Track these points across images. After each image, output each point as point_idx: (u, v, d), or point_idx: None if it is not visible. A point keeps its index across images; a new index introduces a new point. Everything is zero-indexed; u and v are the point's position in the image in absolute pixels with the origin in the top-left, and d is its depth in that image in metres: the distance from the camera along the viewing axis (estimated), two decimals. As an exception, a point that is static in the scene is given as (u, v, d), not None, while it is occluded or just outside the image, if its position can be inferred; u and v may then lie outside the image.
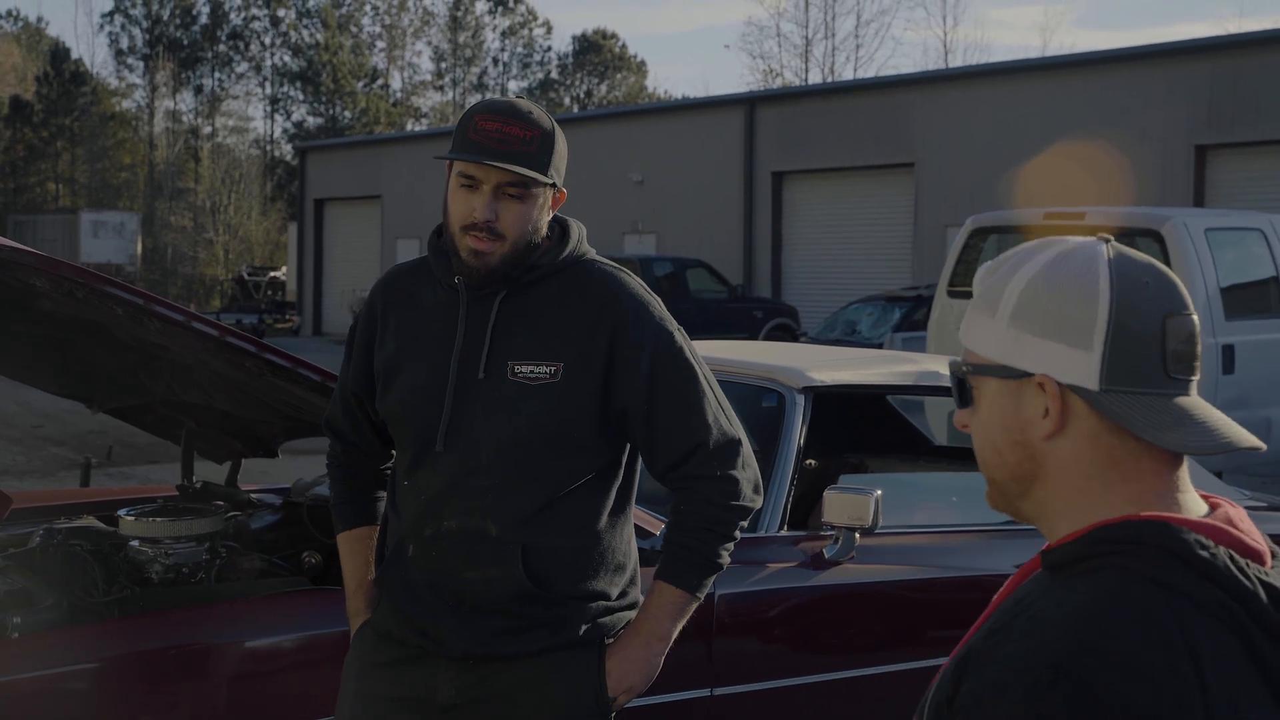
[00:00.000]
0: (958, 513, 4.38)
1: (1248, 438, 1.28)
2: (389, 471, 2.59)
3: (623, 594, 2.45)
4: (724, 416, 2.42)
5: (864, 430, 5.10)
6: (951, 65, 44.83)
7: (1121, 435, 1.27)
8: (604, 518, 2.41)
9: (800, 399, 3.80)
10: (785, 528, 3.64)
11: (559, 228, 2.43)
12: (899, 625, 3.77)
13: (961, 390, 1.37)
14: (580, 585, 2.38)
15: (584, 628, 2.38)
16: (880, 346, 14.69)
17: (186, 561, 3.28)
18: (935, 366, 4.30)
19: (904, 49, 74.09)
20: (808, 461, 3.82)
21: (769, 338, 19.77)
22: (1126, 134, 19.29)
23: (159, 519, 3.35)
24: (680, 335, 2.40)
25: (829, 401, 4.10)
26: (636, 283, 2.41)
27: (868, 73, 49.26)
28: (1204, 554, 1.21)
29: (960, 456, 5.37)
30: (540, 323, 2.35)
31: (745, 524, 2.46)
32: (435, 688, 2.38)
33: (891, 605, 3.74)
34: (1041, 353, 1.29)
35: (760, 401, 3.98)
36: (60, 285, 2.84)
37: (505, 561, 2.33)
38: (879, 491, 3.48)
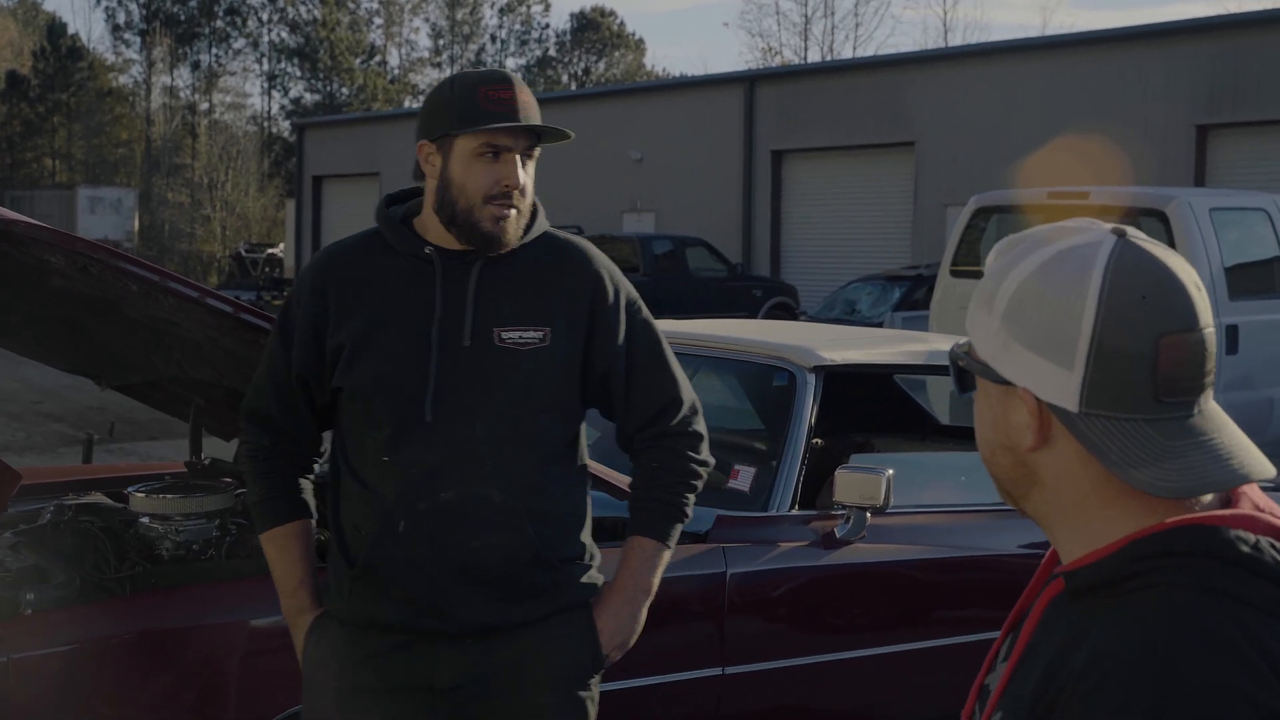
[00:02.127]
0: (966, 492, 4.39)
1: (1258, 468, 1.17)
2: (313, 466, 2.57)
3: (592, 554, 2.51)
4: (685, 378, 2.54)
5: (870, 409, 5.12)
6: (951, 44, 44.74)
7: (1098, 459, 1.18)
8: (582, 478, 2.50)
9: (811, 378, 3.82)
10: (796, 507, 3.66)
11: None
12: (910, 605, 3.80)
13: (960, 377, 1.30)
14: (572, 546, 2.44)
15: (575, 590, 2.43)
16: (880, 325, 14.69)
17: (197, 538, 3.29)
18: (944, 346, 4.32)
19: (903, 27, 74.13)
20: (814, 440, 3.84)
21: (768, 316, 19.76)
22: (1127, 114, 19.26)
23: (169, 496, 3.36)
24: (642, 302, 2.53)
25: (836, 381, 4.12)
26: (600, 252, 2.51)
27: (867, 51, 49.19)
28: (1248, 550, 1.13)
29: (967, 436, 5.39)
30: (523, 290, 2.38)
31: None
32: (435, 672, 2.37)
33: (903, 585, 3.76)
34: (1025, 364, 1.20)
35: (771, 380, 4.01)
36: (75, 261, 2.83)
37: (512, 527, 2.35)
38: (890, 471, 3.50)
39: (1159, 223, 8.84)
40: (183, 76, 60.84)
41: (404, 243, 2.40)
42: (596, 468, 3.36)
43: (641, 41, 69.01)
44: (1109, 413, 1.17)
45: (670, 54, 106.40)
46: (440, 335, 2.35)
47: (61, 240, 2.79)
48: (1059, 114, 19.98)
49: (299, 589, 2.49)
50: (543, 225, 2.46)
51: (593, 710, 2.45)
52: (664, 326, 4.47)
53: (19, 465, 3.44)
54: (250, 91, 62.38)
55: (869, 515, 3.60)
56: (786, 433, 3.72)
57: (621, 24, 66.40)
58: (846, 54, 48.47)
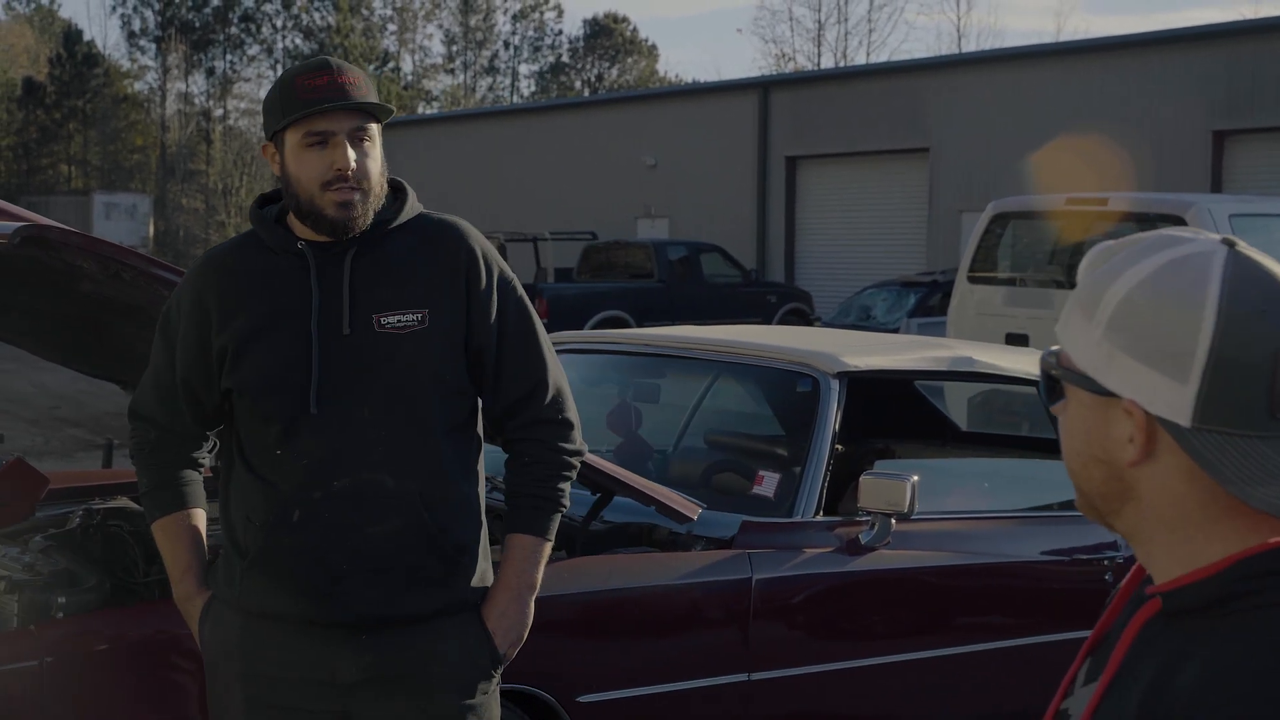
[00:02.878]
0: (988, 498, 4.41)
1: None
2: (202, 459, 2.58)
3: (482, 542, 2.50)
4: (556, 361, 2.53)
5: (889, 415, 5.13)
6: (965, 50, 44.72)
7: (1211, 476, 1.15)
8: (475, 465, 2.49)
9: (835, 384, 3.83)
10: (820, 513, 3.68)
11: (390, 186, 2.47)
12: (935, 611, 3.81)
13: (1051, 387, 1.26)
14: (467, 534, 2.43)
15: (469, 582, 2.43)
16: (895, 331, 14.69)
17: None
18: (968, 352, 4.33)
19: (917, 33, 74.09)
20: (836, 447, 3.85)
21: (782, 322, 19.76)
22: (1142, 119, 19.24)
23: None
24: (518, 282, 2.52)
25: (857, 387, 4.13)
26: (476, 230, 2.51)
27: (880, 57, 49.21)
28: None
29: (985, 442, 5.40)
30: (398, 275, 2.39)
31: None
32: (334, 665, 2.37)
33: (927, 591, 3.78)
34: (1133, 376, 1.15)
35: (795, 386, 4.02)
36: (106, 267, 2.86)
37: (406, 511, 2.36)
38: (915, 477, 3.51)
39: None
40: (197, 83, 61.19)
41: (277, 240, 2.41)
42: (623, 473, 3.38)
43: (654, 47, 69.28)
44: (1223, 428, 1.12)
45: (683, 59, 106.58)
46: (319, 327, 2.36)
47: (94, 246, 2.82)
48: (1074, 120, 19.95)
49: (184, 576, 2.51)
50: (415, 208, 2.46)
51: (495, 710, 2.46)
52: (686, 332, 4.52)
53: (43, 470, 3.47)
54: (264, 98, 62.51)
55: (894, 521, 3.60)
56: (811, 438, 3.74)
57: (634, 30, 66.53)
58: (860, 60, 48.53)
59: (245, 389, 2.39)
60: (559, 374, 2.51)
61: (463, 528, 2.43)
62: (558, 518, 2.51)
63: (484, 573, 2.48)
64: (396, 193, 2.46)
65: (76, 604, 2.91)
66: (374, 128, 2.37)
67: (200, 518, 2.55)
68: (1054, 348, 1.26)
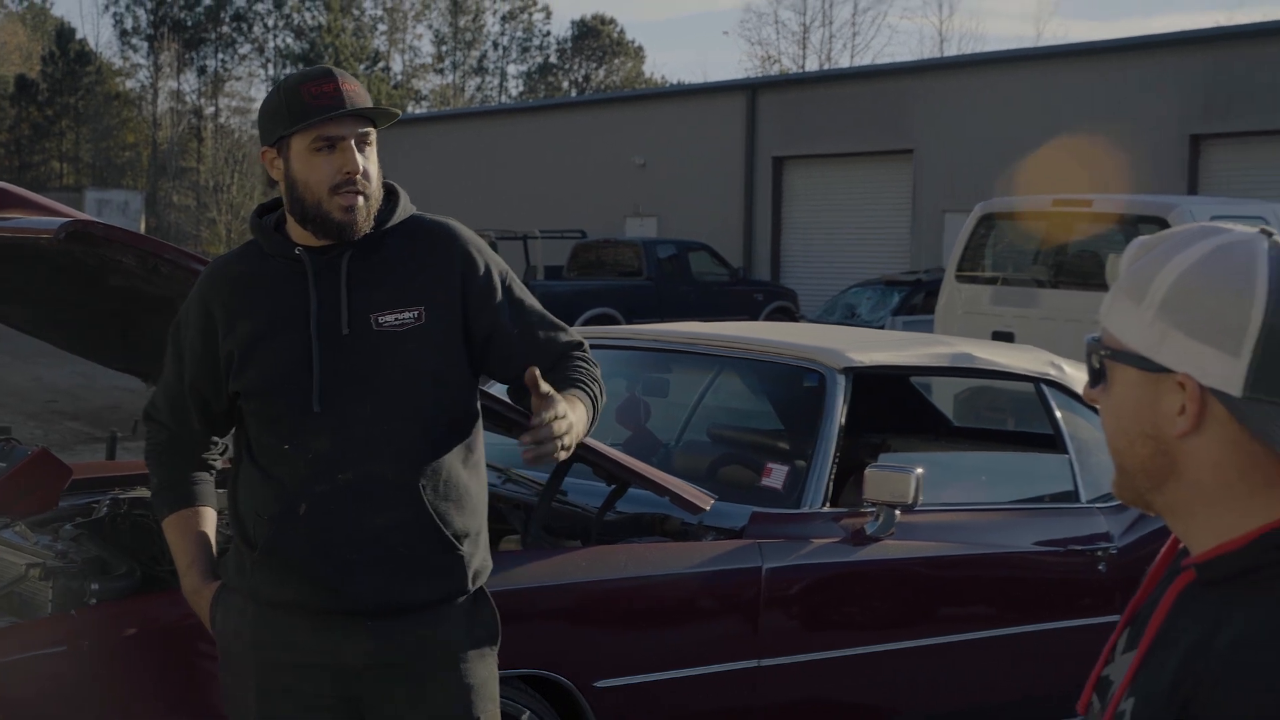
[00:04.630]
0: (987, 490, 4.50)
1: None
2: (213, 460, 2.67)
3: (482, 532, 2.55)
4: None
5: (887, 410, 5.22)
6: (946, 54, 44.96)
7: (1264, 442, 1.22)
8: (476, 457, 2.55)
9: (841, 379, 3.92)
10: (828, 505, 3.77)
11: (383, 189, 2.55)
12: (938, 600, 3.89)
13: (1096, 370, 1.32)
14: (467, 524, 2.49)
15: (470, 570, 2.49)
16: (881, 329, 14.82)
17: None
18: (969, 348, 4.43)
19: (900, 37, 74.42)
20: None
21: (769, 319, 19.86)
22: (1121, 123, 19.42)
23: (218, 490, 3.45)
24: (514, 274, 2.61)
25: (859, 382, 4.23)
26: (468, 229, 2.59)
27: (864, 60, 49.46)
28: None
29: (978, 436, 5.51)
30: (393, 275, 2.46)
31: None
32: (341, 651, 2.44)
33: (931, 580, 3.86)
34: (1186, 351, 1.22)
35: (801, 381, 4.10)
36: (145, 261, 2.90)
37: (408, 503, 2.42)
38: (920, 470, 3.59)
39: (1160, 230, 8.96)
40: (189, 81, 61.08)
41: (276, 247, 2.49)
42: (639, 465, 3.47)
43: (641, 49, 69.39)
44: (1272, 398, 1.20)
45: (669, 61, 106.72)
46: (319, 328, 2.43)
47: (136, 240, 2.87)
48: (1055, 123, 20.15)
49: (190, 568, 2.58)
50: (407, 209, 2.53)
51: (494, 688, 2.52)
52: (694, 329, 4.61)
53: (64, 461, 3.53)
54: (255, 96, 62.38)
55: (898, 513, 3.70)
56: (818, 432, 3.82)
57: (621, 31, 66.57)
58: (844, 63, 48.74)
59: (251, 391, 2.47)
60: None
61: (463, 518, 2.49)
62: (597, 410, 2.54)
63: (484, 561, 2.55)
64: (389, 196, 2.53)
65: (110, 590, 2.97)
66: (374, 133, 2.46)
67: (209, 514, 2.63)
68: (1093, 335, 1.34)
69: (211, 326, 2.50)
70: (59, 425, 10.13)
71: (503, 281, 2.55)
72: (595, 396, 2.54)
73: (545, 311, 2.62)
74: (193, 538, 2.60)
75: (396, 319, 2.44)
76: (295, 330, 2.44)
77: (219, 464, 2.70)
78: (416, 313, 2.45)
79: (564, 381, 2.51)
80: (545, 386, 2.32)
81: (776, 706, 3.59)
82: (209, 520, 2.63)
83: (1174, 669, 1.19)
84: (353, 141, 2.40)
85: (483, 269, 2.52)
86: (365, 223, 2.44)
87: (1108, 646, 1.36)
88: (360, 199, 2.41)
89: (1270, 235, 1.25)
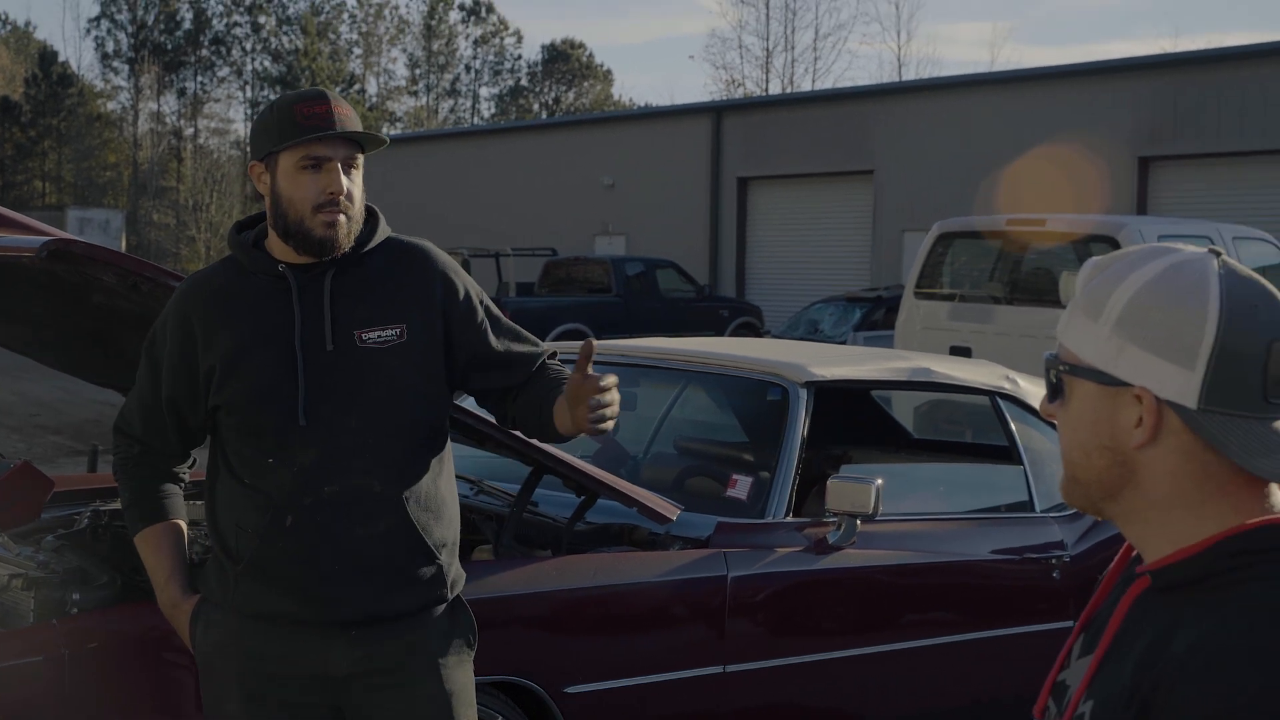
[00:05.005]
0: (944, 501, 4.59)
1: None
2: (182, 474, 2.69)
3: (455, 541, 2.62)
4: None
5: (847, 423, 5.30)
6: (905, 78, 45.33)
7: (1216, 452, 1.26)
8: (449, 468, 2.63)
9: (804, 392, 3.99)
10: (791, 514, 3.84)
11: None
12: (898, 606, 3.97)
13: (1054, 386, 1.36)
14: (445, 534, 2.57)
15: (448, 578, 2.56)
16: (843, 344, 14.96)
17: None
18: (925, 363, 4.52)
19: (860, 61, 74.92)
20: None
21: (734, 335, 19.98)
22: (1073, 145, 19.68)
23: (198, 502, 3.50)
24: (484, 292, 2.70)
25: (821, 396, 4.32)
26: (442, 251, 2.66)
27: (825, 84, 49.72)
28: None
29: (937, 449, 5.61)
30: (374, 293, 2.52)
31: None
32: (327, 661, 2.47)
33: (891, 588, 3.93)
34: (1143, 365, 1.27)
35: (765, 395, 4.18)
36: (125, 279, 2.94)
37: (392, 514, 2.48)
38: (880, 481, 3.67)
39: (1111, 248, 9.18)
40: (169, 103, 61.04)
41: (256, 264, 2.52)
42: (607, 476, 3.55)
43: (610, 72, 69.44)
44: (1225, 410, 1.24)
45: (637, 84, 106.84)
46: (303, 344, 2.46)
47: (117, 259, 2.90)
48: (1009, 145, 20.44)
49: (168, 583, 2.60)
50: (385, 231, 2.59)
51: (472, 692, 2.58)
52: (661, 344, 4.67)
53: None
54: (234, 118, 62.55)
55: (859, 522, 3.77)
56: (781, 444, 3.88)
57: (590, 55, 66.76)
58: (806, 86, 48.94)
59: (234, 406, 2.49)
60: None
61: (441, 528, 2.56)
62: None
63: (459, 570, 2.61)
64: (369, 217, 2.58)
65: (91, 600, 3.00)
66: (361, 158, 2.51)
67: (181, 528, 2.65)
68: (1051, 352, 1.37)
69: (190, 339, 2.52)
70: (41, 439, 10.10)
71: (480, 302, 2.64)
72: None
73: (517, 326, 2.72)
74: (167, 551, 2.62)
75: (379, 335, 2.49)
76: (278, 345, 2.48)
77: (187, 477, 2.73)
78: (399, 330, 2.51)
79: (554, 386, 2.59)
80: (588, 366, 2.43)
81: (742, 711, 3.64)
82: (181, 534, 2.65)
83: (1131, 672, 1.23)
84: (339, 163, 2.45)
85: (462, 292, 2.60)
86: (346, 241, 2.49)
87: (1063, 652, 1.40)
88: (342, 218, 2.46)
89: (1218, 254, 1.29)
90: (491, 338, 2.62)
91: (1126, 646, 1.27)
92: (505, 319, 2.70)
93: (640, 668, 3.50)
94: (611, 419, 2.47)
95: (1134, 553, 1.38)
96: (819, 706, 3.88)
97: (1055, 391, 1.36)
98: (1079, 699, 1.30)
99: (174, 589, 2.60)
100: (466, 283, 2.63)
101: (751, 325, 20.84)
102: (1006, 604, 4.22)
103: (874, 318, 16.57)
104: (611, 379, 2.44)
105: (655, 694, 3.52)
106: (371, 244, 2.55)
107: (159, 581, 2.61)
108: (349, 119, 2.47)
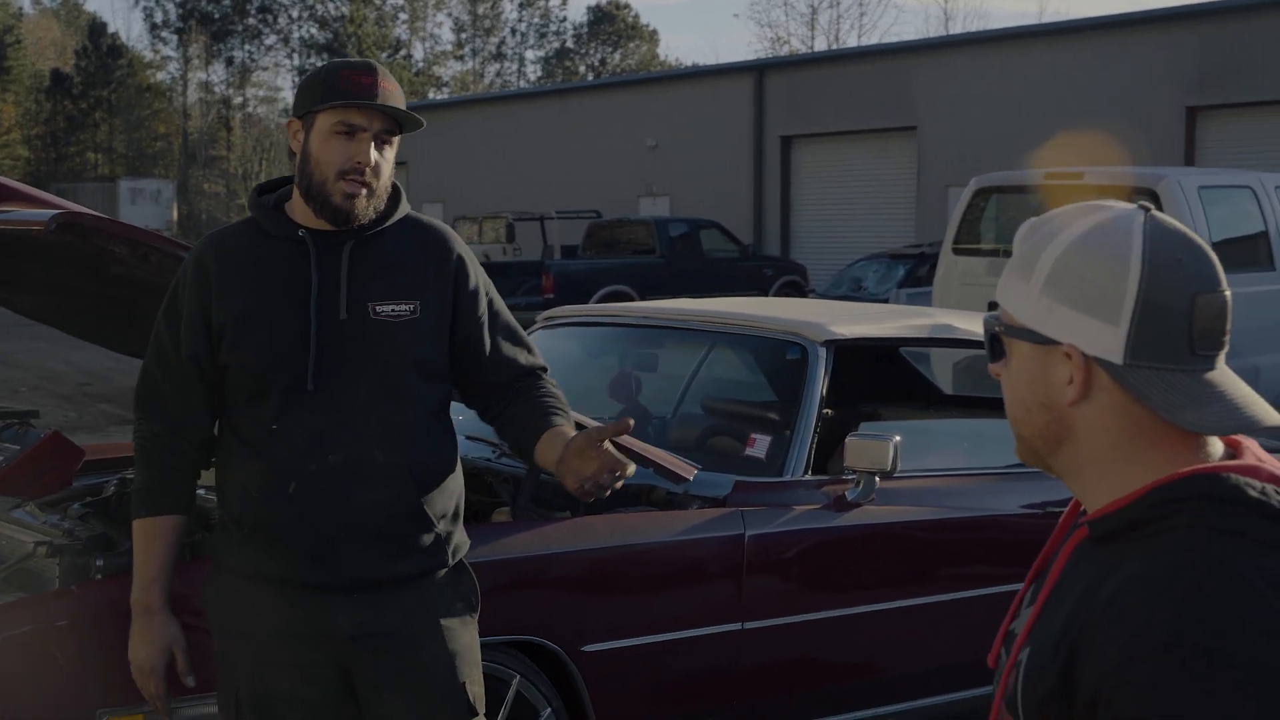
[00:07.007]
0: (968, 456, 4.57)
1: (1270, 416, 1.27)
2: (206, 447, 2.64)
3: (459, 511, 2.66)
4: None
5: (876, 380, 5.28)
6: (952, 32, 44.89)
7: (1147, 407, 1.28)
8: (452, 442, 2.67)
9: (823, 351, 3.99)
10: (809, 472, 3.84)
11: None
12: (917, 563, 3.96)
13: (994, 345, 1.39)
14: (447, 504, 2.60)
15: (449, 546, 2.60)
16: (886, 301, 14.89)
17: None
18: (948, 320, 4.48)
19: (906, 16, 74.10)
20: (825, 411, 4.03)
21: (778, 294, 19.92)
22: (1119, 97, 19.47)
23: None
24: (491, 283, 2.73)
25: (845, 354, 4.28)
26: (456, 234, 2.70)
27: (871, 39, 49.45)
28: (1256, 495, 1.23)
29: (968, 404, 5.58)
30: (391, 268, 2.55)
31: None
32: (332, 621, 2.50)
33: (909, 544, 3.93)
34: (1070, 323, 1.29)
35: (785, 354, 4.16)
36: (135, 249, 3.00)
37: (395, 483, 2.51)
38: (898, 437, 3.66)
39: (1150, 201, 9.05)
40: (217, 72, 61.72)
41: (277, 227, 2.55)
42: (635, 444, 3.55)
43: (655, 33, 69.31)
44: (1151, 364, 1.27)
45: (682, 44, 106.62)
46: (318, 310, 2.49)
47: (120, 230, 2.96)
48: (1054, 98, 20.20)
49: (151, 585, 2.57)
50: (405, 208, 2.62)
51: (477, 653, 2.62)
52: (682, 305, 4.68)
53: (79, 443, 3.64)
54: (282, 85, 63.00)
55: (878, 479, 3.77)
56: (799, 403, 3.88)
57: (636, 16, 66.66)
58: (852, 43, 48.73)
59: (243, 365, 2.51)
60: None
61: (443, 499, 2.59)
62: None
63: (462, 537, 2.65)
64: (392, 195, 2.60)
65: (113, 566, 3.03)
66: (396, 138, 2.53)
67: (182, 527, 2.62)
68: (993, 312, 1.40)
69: (206, 292, 2.53)
70: (92, 408, 10.27)
71: (487, 293, 2.67)
72: (568, 415, 2.67)
73: (518, 327, 2.74)
74: (160, 550, 2.59)
75: (393, 310, 2.52)
76: (292, 308, 2.49)
77: (203, 464, 2.68)
78: (412, 306, 2.54)
79: (544, 413, 2.62)
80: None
81: (760, 668, 3.67)
82: (179, 532, 2.62)
83: (1062, 619, 1.26)
84: (372, 136, 2.47)
85: (473, 280, 2.63)
86: (364, 213, 2.50)
87: (1015, 602, 1.45)
88: (364, 190, 2.48)
89: (1147, 210, 1.31)
90: (485, 333, 2.65)
91: (1063, 595, 1.30)
92: (508, 318, 2.73)
93: (657, 626, 3.52)
94: (603, 488, 2.46)
95: (1082, 506, 1.40)
96: (837, 663, 3.89)
97: (996, 352, 1.39)
98: (1019, 647, 1.34)
99: (154, 594, 2.58)
100: (478, 271, 2.67)
101: (796, 284, 20.77)
102: (1026, 557, 4.18)
103: (918, 274, 16.49)
104: (631, 469, 2.44)
105: (672, 652, 3.53)
106: (393, 219, 2.58)
107: (142, 580, 2.59)
108: (391, 94, 2.48)
